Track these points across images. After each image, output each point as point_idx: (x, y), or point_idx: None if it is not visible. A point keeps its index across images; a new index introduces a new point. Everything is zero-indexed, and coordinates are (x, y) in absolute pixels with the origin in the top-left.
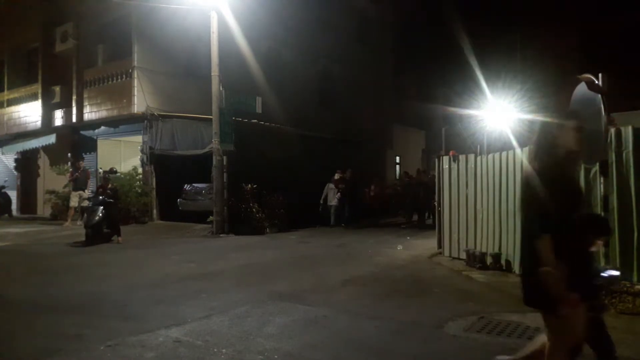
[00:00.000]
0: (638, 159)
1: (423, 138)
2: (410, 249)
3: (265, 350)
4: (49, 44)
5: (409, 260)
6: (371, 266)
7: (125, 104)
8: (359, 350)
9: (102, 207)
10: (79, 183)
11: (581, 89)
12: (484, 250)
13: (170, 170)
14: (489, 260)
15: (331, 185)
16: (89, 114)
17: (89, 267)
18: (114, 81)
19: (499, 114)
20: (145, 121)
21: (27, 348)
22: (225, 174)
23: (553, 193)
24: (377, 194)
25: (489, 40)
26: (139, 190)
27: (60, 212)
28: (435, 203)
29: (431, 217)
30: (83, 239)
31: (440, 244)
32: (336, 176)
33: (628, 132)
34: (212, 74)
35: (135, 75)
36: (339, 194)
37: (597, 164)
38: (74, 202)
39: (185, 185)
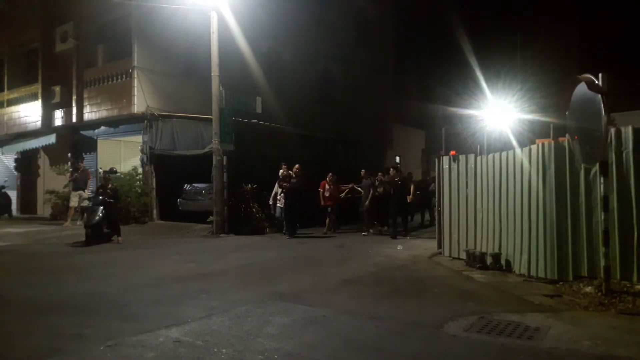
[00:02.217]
0: (638, 159)
1: (423, 138)
2: (410, 249)
3: (266, 350)
4: (49, 44)
5: (409, 261)
6: (371, 266)
7: (125, 104)
8: (358, 350)
9: (102, 207)
10: (78, 183)
11: (581, 89)
12: (484, 250)
13: (170, 170)
14: (489, 260)
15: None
16: (89, 114)
17: (89, 267)
18: (114, 81)
19: (499, 114)
20: (145, 121)
21: (27, 348)
22: (225, 174)
23: None
24: (333, 194)
25: (489, 40)
26: (139, 190)
27: (60, 212)
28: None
29: (386, 226)
30: (83, 239)
31: (440, 244)
32: (280, 172)
33: (628, 132)
34: (212, 74)
35: (135, 75)
36: (282, 194)
37: (597, 164)
38: (74, 202)
39: (185, 185)
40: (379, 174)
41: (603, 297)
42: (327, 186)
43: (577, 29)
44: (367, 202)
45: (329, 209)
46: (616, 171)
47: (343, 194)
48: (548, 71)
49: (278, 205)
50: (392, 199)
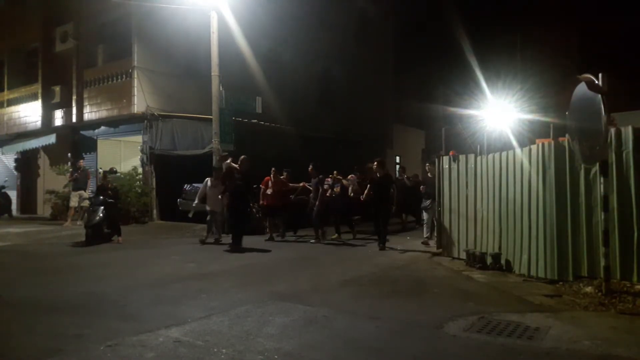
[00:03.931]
0: (638, 159)
1: (423, 138)
2: (410, 249)
3: (266, 350)
4: (49, 44)
5: (409, 261)
6: (371, 266)
7: (125, 104)
8: (358, 350)
9: (102, 207)
10: (79, 183)
11: (581, 89)
12: (484, 250)
13: (170, 170)
14: (489, 260)
15: (213, 183)
16: (89, 114)
17: (89, 267)
18: (114, 81)
19: (499, 114)
20: (145, 121)
21: (27, 348)
22: None
23: None
24: (277, 192)
25: (489, 40)
26: (139, 190)
27: (60, 212)
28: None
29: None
30: (83, 239)
31: (440, 244)
32: (224, 164)
33: (628, 132)
34: (212, 74)
35: (135, 75)
36: (226, 194)
37: (597, 164)
38: (73, 202)
39: (185, 185)
40: (335, 171)
41: (603, 297)
42: (270, 182)
43: (577, 29)
44: (317, 203)
45: (272, 211)
46: (616, 171)
47: (294, 194)
48: (548, 71)
49: (210, 207)
50: (373, 200)
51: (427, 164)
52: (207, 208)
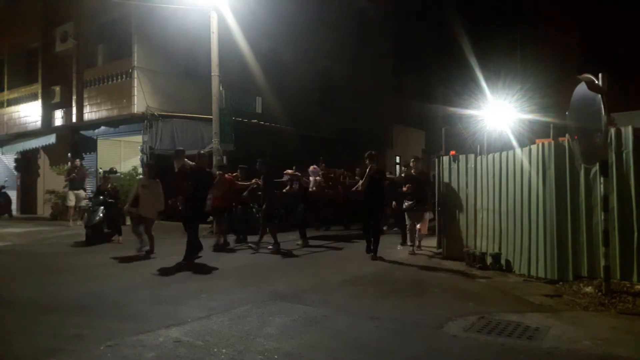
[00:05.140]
0: (638, 159)
1: (423, 138)
2: (409, 249)
3: (265, 350)
4: (49, 44)
5: (409, 261)
6: (371, 266)
7: (125, 104)
8: (358, 350)
9: (102, 207)
10: (76, 182)
11: (581, 88)
12: (484, 250)
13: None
14: (489, 260)
15: (144, 182)
16: (89, 114)
17: (89, 267)
18: (114, 81)
19: (499, 114)
20: (145, 121)
21: (27, 348)
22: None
23: None
24: (225, 193)
25: (489, 40)
26: None
27: (60, 212)
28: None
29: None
30: (83, 239)
31: (440, 244)
32: (176, 162)
33: (628, 132)
34: (212, 74)
35: (135, 75)
36: (179, 197)
37: (597, 164)
38: (70, 201)
39: None
40: (293, 167)
41: (603, 297)
42: (222, 184)
43: (578, 28)
44: (264, 205)
45: (217, 213)
46: (616, 171)
47: (245, 192)
48: (548, 71)
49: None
50: (364, 198)
51: (412, 160)
52: (145, 214)
